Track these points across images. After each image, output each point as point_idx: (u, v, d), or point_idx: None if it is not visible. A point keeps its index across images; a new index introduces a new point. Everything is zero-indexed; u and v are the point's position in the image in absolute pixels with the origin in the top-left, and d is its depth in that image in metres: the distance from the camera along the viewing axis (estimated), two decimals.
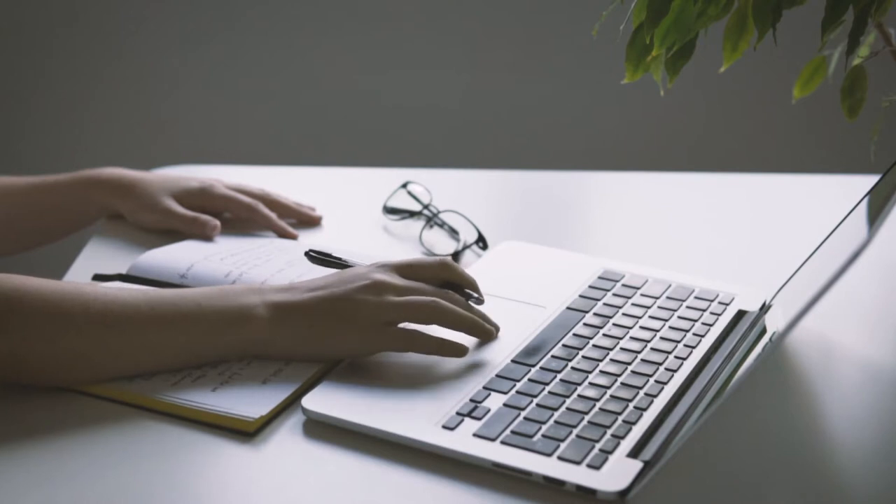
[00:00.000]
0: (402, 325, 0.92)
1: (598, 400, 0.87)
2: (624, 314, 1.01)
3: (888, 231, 0.89)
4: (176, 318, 0.88)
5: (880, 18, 0.92)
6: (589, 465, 0.80)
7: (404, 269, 0.95)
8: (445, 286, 0.96)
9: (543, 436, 0.83)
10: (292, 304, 0.91)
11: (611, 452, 0.81)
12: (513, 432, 0.83)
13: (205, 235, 1.16)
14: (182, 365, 0.89)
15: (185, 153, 2.07)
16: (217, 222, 1.18)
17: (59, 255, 1.36)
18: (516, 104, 2.14)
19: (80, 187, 1.19)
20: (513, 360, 0.93)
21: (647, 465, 0.80)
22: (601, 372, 0.91)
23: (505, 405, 0.86)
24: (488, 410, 0.86)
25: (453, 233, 1.21)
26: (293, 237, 1.20)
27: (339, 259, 0.99)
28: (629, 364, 0.92)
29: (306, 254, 0.99)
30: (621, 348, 0.95)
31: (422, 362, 0.93)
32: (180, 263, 1.08)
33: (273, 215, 1.21)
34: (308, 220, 1.24)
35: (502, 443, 0.82)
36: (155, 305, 0.88)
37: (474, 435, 0.83)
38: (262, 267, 1.07)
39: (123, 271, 1.07)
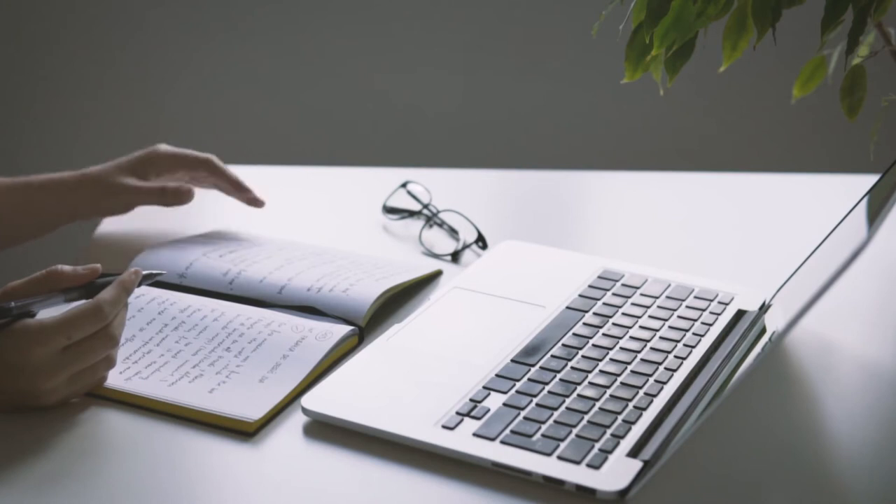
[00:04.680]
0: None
1: (597, 399, 0.87)
2: (623, 314, 1.01)
3: (888, 231, 0.89)
4: None
5: (880, 18, 0.92)
6: (588, 465, 0.80)
7: (62, 330, 0.85)
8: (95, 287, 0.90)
9: (543, 435, 0.83)
10: None
11: (610, 452, 0.81)
12: (512, 432, 0.83)
13: (180, 202, 1.13)
14: None
15: None
16: (189, 186, 1.14)
17: (58, 255, 1.36)
18: (516, 104, 2.14)
19: (30, 192, 1.13)
20: (512, 360, 0.93)
21: (647, 465, 0.80)
22: (601, 371, 0.91)
23: (505, 405, 0.86)
24: (488, 410, 0.86)
25: (453, 232, 1.21)
26: (260, 204, 1.20)
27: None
28: (629, 364, 0.92)
29: None
30: (621, 348, 0.95)
31: (421, 362, 0.93)
32: (179, 262, 1.08)
33: (232, 174, 1.20)
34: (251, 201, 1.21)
35: (502, 442, 0.82)
36: None
37: (474, 434, 0.83)
38: (261, 264, 1.07)
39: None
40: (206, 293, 1.04)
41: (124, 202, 1.15)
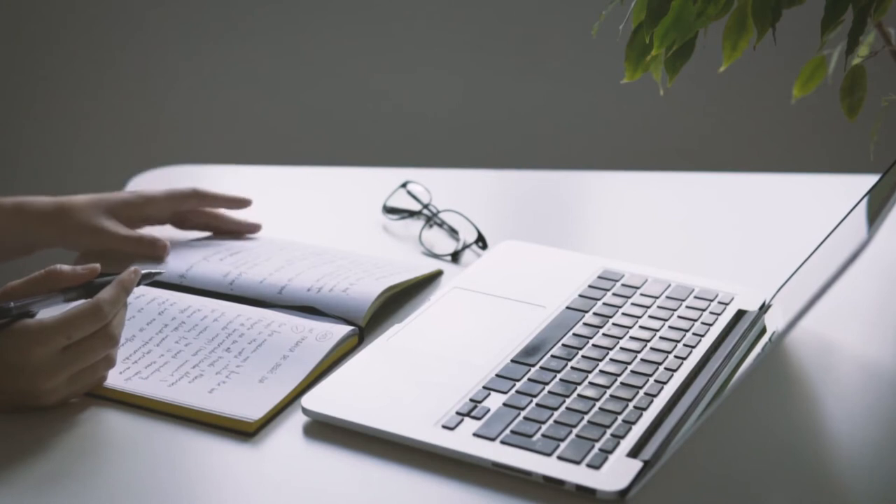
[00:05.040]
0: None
1: (597, 399, 0.87)
2: (624, 314, 1.01)
3: (888, 231, 0.89)
4: None
5: (880, 18, 0.92)
6: (589, 465, 0.80)
7: (62, 330, 0.85)
8: (93, 287, 0.90)
9: (543, 435, 0.83)
10: None
11: (610, 452, 0.81)
12: (512, 432, 0.83)
13: (156, 256, 1.09)
14: None
15: (185, 153, 2.07)
16: (166, 242, 1.09)
17: (57, 255, 1.36)
18: (516, 104, 2.14)
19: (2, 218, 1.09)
20: (513, 360, 0.93)
21: (647, 465, 0.80)
22: (601, 371, 0.91)
23: (505, 405, 0.86)
24: (488, 410, 0.86)
25: (453, 232, 1.21)
26: (256, 229, 1.17)
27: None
28: (629, 364, 0.92)
29: None
30: (621, 348, 0.95)
31: (422, 362, 0.93)
32: (180, 264, 1.07)
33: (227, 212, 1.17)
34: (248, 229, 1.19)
35: (502, 442, 0.82)
36: None
37: (474, 435, 0.83)
38: (262, 266, 1.07)
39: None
40: (206, 293, 1.04)
41: (97, 243, 1.10)
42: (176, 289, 1.04)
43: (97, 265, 0.91)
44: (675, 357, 0.94)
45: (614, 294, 1.04)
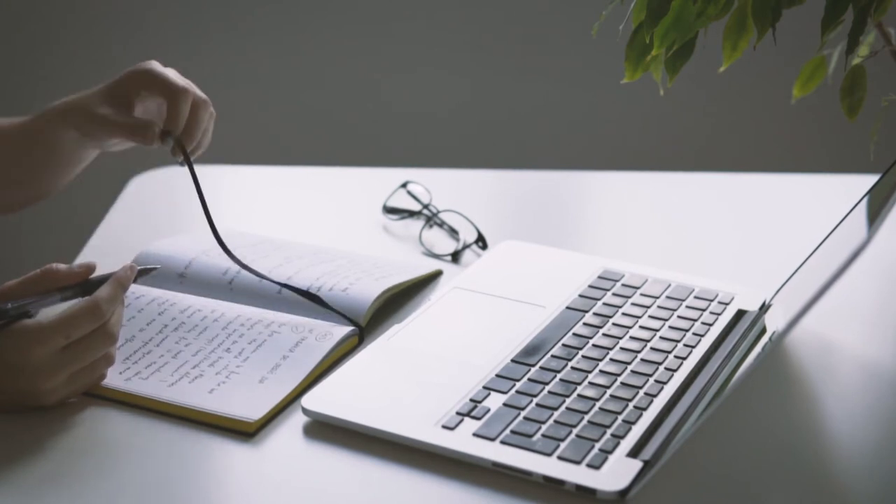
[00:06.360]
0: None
1: (597, 399, 0.87)
2: (624, 314, 1.01)
3: (888, 231, 0.89)
4: None
5: (880, 18, 0.92)
6: (589, 465, 0.80)
7: (61, 329, 0.85)
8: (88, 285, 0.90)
9: (543, 435, 0.83)
10: None
11: (610, 452, 0.81)
12: (513, 432, 0.83)
13: (144, 140, 1.00)
14: None
15: None
16: (154, 126, 0.98)
17: (57, 253, 1.36)
18: (516, 104, 2.14)
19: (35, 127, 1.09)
20: (513, 360, 0.93)
21: (647, 465, 0.80)
22: (601, 371, 0.91)
23: (505, 405, 0.86)
24: (488, 410, 0.86)
25: (453, 232, 1.21)
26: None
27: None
28: (629, 364, 0.92)
29: None
30: (621, 348, 0.95)
31: (422, 362, 0.93)
32: (179, 261, 1.07)
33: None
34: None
35: (502, 442, 0.82)
36: None
37: (474, 435, 0.83)
38: (259, 262, 1.07)
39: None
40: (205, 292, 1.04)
41: (103, 132, 1.04)
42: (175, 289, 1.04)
43: (93, 263, 0.91)
44: (675, 357, 0.94)
45: (614, 294, 1.04)
